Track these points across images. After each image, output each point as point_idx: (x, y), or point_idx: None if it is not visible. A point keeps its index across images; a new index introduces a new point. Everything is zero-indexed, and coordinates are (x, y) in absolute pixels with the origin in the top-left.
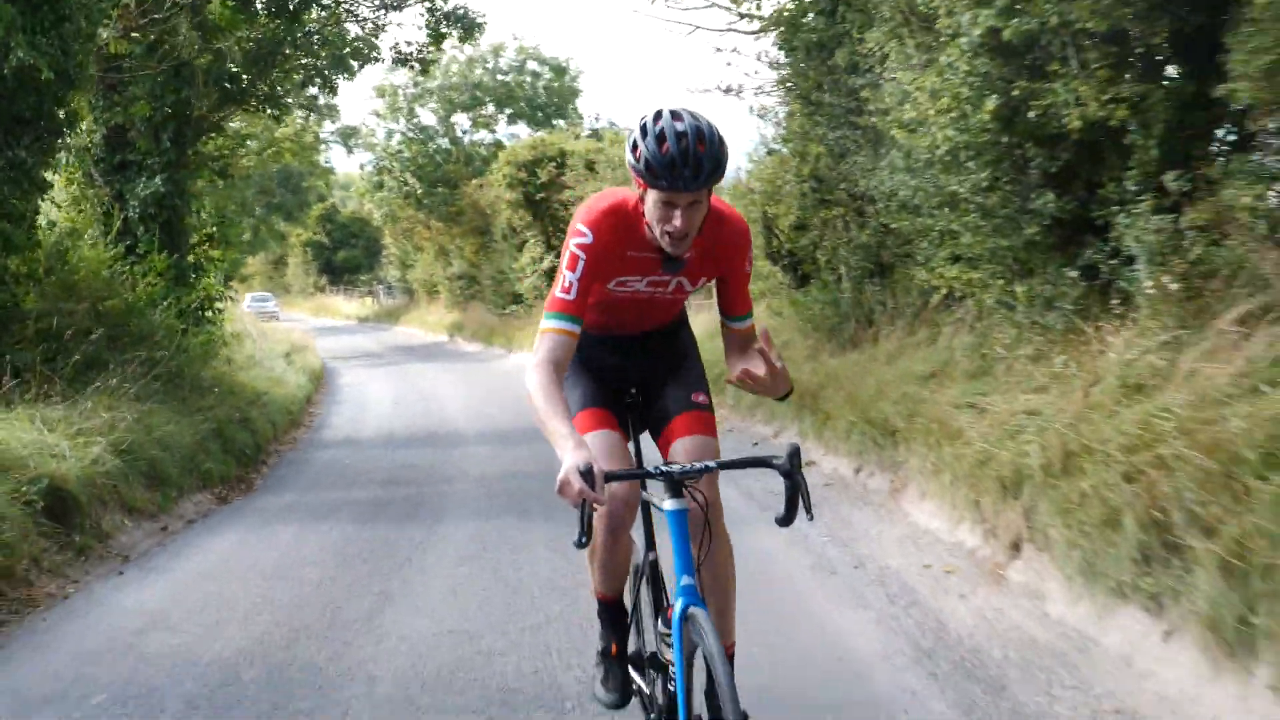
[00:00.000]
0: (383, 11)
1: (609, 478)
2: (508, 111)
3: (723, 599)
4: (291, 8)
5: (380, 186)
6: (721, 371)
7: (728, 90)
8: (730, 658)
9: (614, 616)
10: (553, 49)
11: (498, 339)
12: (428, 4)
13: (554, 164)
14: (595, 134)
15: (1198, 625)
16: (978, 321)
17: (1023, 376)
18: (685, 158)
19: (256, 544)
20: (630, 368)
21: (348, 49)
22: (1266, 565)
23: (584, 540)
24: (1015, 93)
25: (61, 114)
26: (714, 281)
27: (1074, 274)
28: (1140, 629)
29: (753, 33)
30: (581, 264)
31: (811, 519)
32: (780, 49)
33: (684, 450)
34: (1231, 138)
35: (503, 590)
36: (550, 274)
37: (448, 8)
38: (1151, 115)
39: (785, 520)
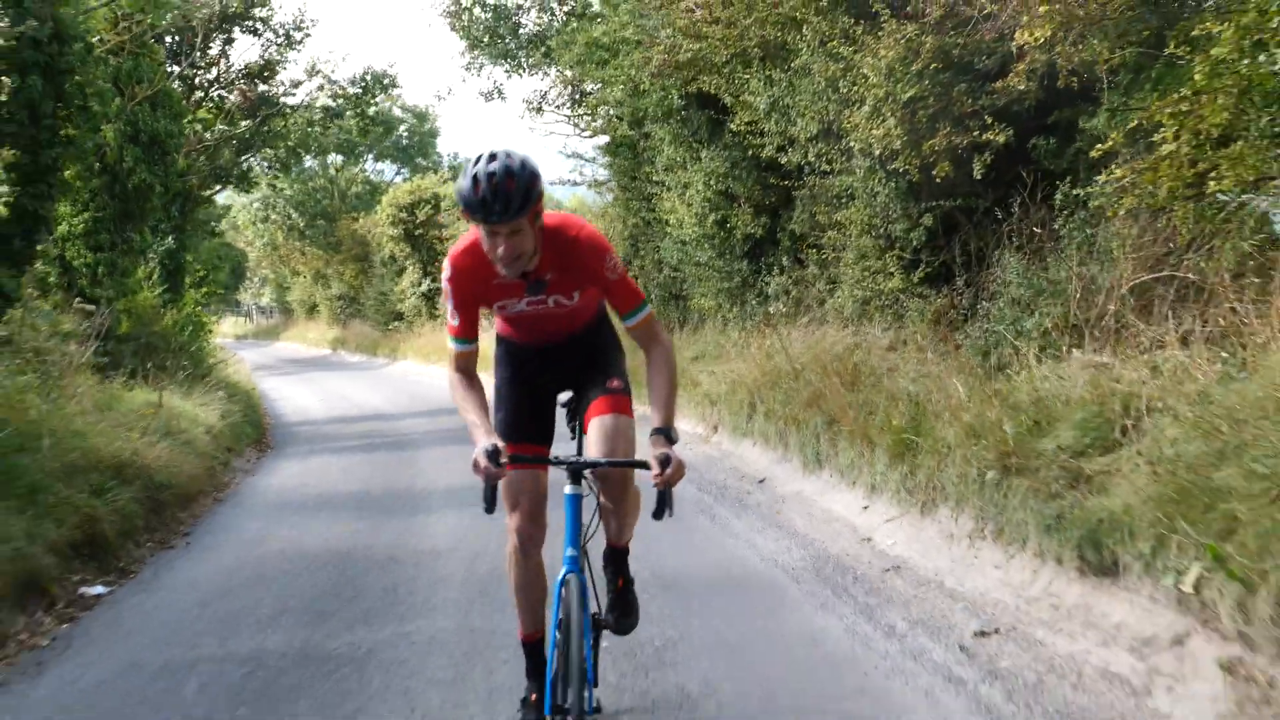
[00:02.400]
0: (328, 118)
1: (513, 460)
2: (373, 152)
3: (624, 523)
4: (259, 115)
5: (266, 219)
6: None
7: (574, 184)
8: (625, 549)
9: (535, 662)
10: (413, 94)
11: (382, 350)
12: (358, 112)
13: (429, 205)
14: (453, 170)
15: (761, 440)
16: (719, 328)
17: (735, 355)
18: (495, 194)
19: (315, 464)
20: (559, 372)
21: (297, 143)
22: (771, 411)
23: (488, 508)
24: (723, 213)
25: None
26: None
27: (755, 303)
28: (748, 445)
29: (589, 136)
30: (451, 296)
31: (664, 517)
32: (606, 153)
33: (597, 428)
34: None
35: None
36: (428, 295)
37: (372, 112)
38: (781, 229)
39: (656, 515)
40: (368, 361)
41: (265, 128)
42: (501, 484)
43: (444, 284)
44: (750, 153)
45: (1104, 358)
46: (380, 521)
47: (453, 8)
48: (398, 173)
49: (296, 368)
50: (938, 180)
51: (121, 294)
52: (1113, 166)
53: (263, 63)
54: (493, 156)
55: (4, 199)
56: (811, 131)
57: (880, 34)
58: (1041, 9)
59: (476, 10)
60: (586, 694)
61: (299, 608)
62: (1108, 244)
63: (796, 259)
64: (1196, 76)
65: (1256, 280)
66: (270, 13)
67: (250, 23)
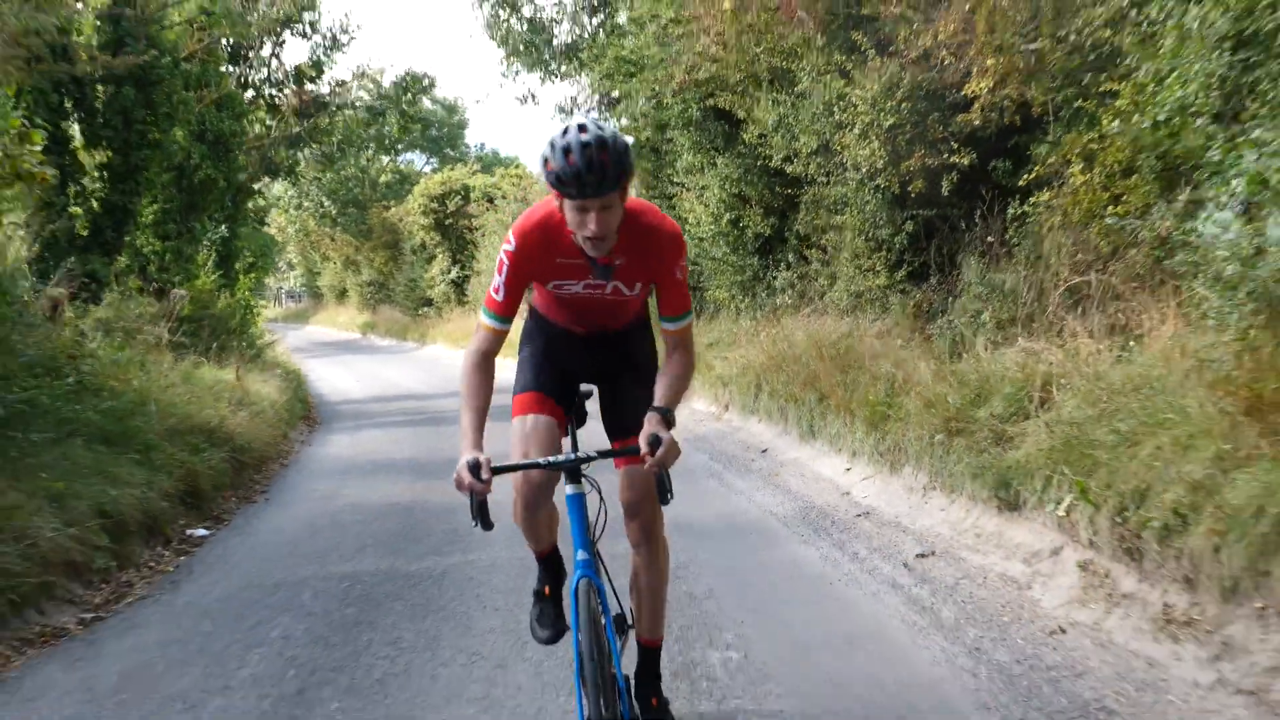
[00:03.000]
0: (371, 117)
1: (496, 470)
2: (402, 143)
3: (656, 602)
4: (310, 113)
5: (299, 206)
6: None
7: None
8: (657, 648)
9: (547, 565)
10: (451, 90)
11: (411, 335)
12: (400, 111)
13: (459, 196)
14: (480, 160)
15: (766, 416)
16: (732, 317)
17: (746, 342)
18: (590, 166)
19: (364, 436)
20: (590, 361)
21: (342, 140)
22: (774, 391)
23: (475, 524)
24: (737, 214)
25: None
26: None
27: (765, 295)
28: (754, 421)
29: None
30: (506, 269)
31: (667, 501)
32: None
33: (626, 476)
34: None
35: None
36: (457, 283)
37: (411, 111)
38: (788, 229)
39: (662, 501)
40: (398, 345)
41: (314, 125)
42: (513, 438)
43: (502, 254)
44: (760, 161)
45: (1037, 345)
46: (433, 483)
47: (492, 20)
48: (426, 162)
49: (329, 350)
50: (913, 195)
51: (185, 279)
52: (1043, 191)
53: (311, 64)
54: (582, 128)
55: (98, 195)
56: (812, 147)
57: (866, 69)
58: (989, 62)
59: (514, 23)
60: (620, 702)
61: (377, 544)
62: (1048, 253)
63: (801, 256)
64: (1104, 122)
65: (1136, 285)
66: (317, 17)
67: (300, 26)
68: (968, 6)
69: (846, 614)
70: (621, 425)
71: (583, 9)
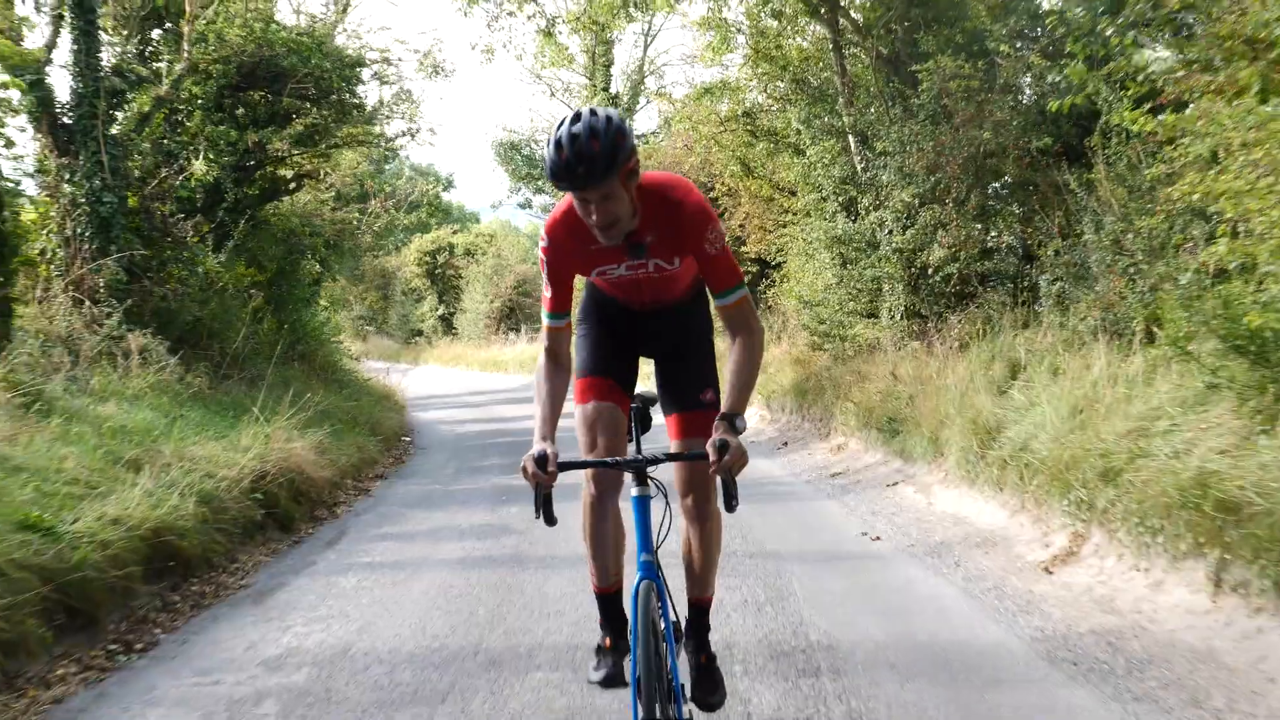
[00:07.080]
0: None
1: (562, 466)
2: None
3: (707, 567)
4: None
5: None
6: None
7: None
8: (707, 605)
9: (609, 611)
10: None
11: (404, 358)
12: (427, 203)
13: (447, 252)
14: (449, 212)
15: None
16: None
17: None
18: (579, 158)
19: (434, 412)
20: (646, 334)
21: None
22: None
23: (539, 515)
24: None
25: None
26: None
27: None
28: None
29: None
30: (546, 266)
31: (734, 508)
32: None
33: (685, 447)
34: None
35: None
36: (444, 320)
37: (436, 203)
38: None
39: (726, 506)
40: (393, 367)
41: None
42: (578, 424)
43: (539, 253)
44: None
45: (776, 348)
46: (503, 424)
47: (501, 153)
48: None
49: None
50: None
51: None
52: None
53: (373, 172)
54: (577, 117)
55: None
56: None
57: None
58: (752, 235)
59: (518, 160)
60: (675, 708)
61: (503, 440)
62: (785, 310)
63: None
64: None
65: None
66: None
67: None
68: (743, 214)
69: None
70: (677, 398)
71: None
